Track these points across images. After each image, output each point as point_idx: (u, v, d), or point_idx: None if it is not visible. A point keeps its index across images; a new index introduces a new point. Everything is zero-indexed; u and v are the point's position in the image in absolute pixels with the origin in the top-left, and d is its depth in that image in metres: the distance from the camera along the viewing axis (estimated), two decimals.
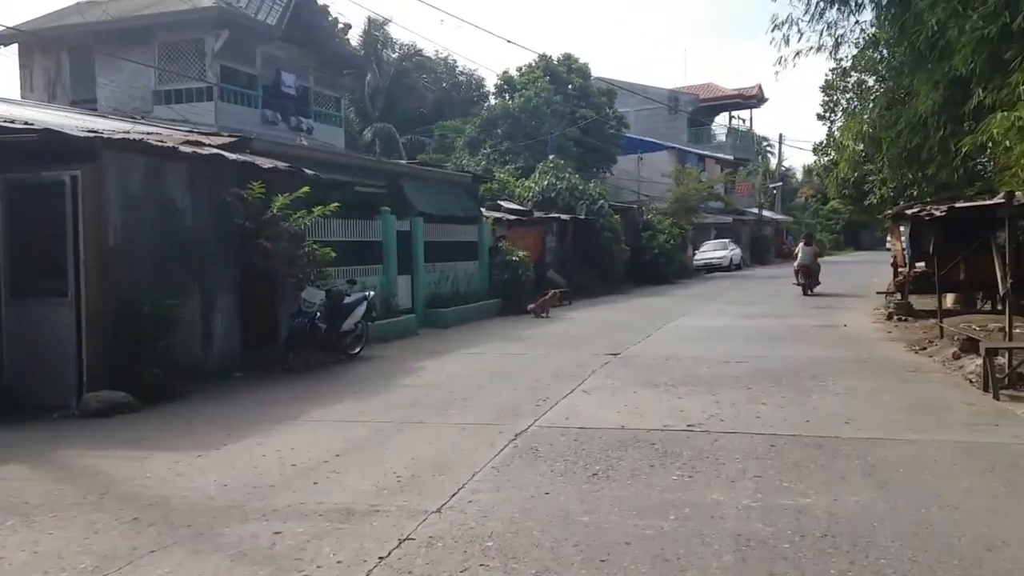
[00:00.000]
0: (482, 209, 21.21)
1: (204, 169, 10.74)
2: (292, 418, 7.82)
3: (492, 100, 39.90)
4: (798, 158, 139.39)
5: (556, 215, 24.67)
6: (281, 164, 12.25)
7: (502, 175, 29.00)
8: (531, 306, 18.05)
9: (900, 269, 17.69)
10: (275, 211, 10.98)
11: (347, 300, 11.89)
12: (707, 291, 26.47)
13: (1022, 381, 8.84)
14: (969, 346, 10.22)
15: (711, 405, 8.14)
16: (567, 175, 26.79)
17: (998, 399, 8.17)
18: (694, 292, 26.20)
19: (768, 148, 71.19)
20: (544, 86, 35.39)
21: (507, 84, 38.47)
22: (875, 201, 23.47)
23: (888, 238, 62.00)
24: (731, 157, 52.76)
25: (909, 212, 13.27)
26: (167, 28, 20.60)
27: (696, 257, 40.25)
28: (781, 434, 6.89)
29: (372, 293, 12.78)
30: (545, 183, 26.35)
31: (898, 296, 17.68)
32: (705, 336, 13.98)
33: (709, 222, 44.39)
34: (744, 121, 58.73)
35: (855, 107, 21.42)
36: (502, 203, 23.28)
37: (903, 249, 16.01)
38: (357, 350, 12.09)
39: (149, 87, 20.69)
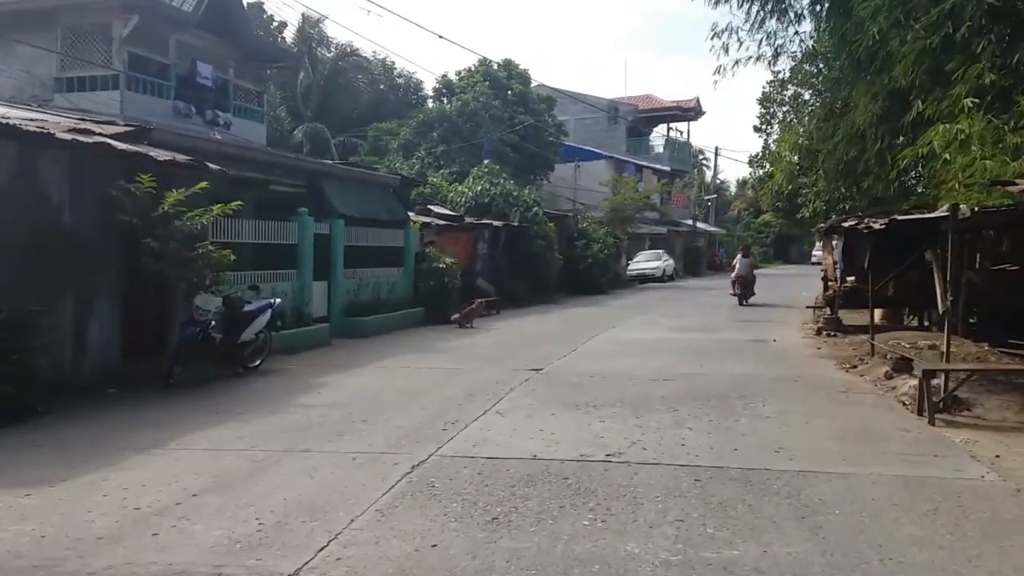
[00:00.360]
0: (410, 213, 20.31)
1: (88, 160, 9.64)
2: (156, 445, 6.81)
3: (430, 103, 38.98)
4: (732, 172, 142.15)
5: (488, 221, 23.92)
6: (181, 157, 11.17)
7: (435, 179, 28.14)
8: (455, 316, 17.23)
9: (831, 283, 17.47)
10: (167, 208, 9.91)
11: (248, 308, 10.87)
12: (639, 302, 26.06)
13: (958, 405, 8.42)
14: (902, 365, 9.82)
15: (634, 430, 7.45)
16: (502, 181, 26.08)
17: (934, 424, 7.70)
18: (626, 303, 25.75)
19: (704, 161, 72.06)
20: (483, 90, 34.69)
21: (445, 87, 37.65)
22: (807, 214, 23.41)
23: (815, 252, 63.59)
24: (668, 168, 52.94)
25: (846, 224, 12.90)
26: (72, 11, 19.16)
27: (630, 267, 40.03)
28: (707, 466, 6.22)
29: (278, 300, 11.78)
30: (479, 188, 25.59)
31: (827, 311, 17.46)
32: (634, 350, 13.38)
33: (644, 232, 44.28)
34: (681, 133, 59.17)
35: (792, 119, 21.30)
36: (432, 207, 22.42)
37: (835, 263, 15.73)
38: (258, 363, 11.07)
39: (50, 74, 19.20)
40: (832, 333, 15.09)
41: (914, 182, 16.07)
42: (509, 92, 37.37)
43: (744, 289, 24.07)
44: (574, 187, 36.58)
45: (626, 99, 56.76)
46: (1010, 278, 15.50)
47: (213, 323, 10.19)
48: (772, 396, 9.09)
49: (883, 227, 10.28)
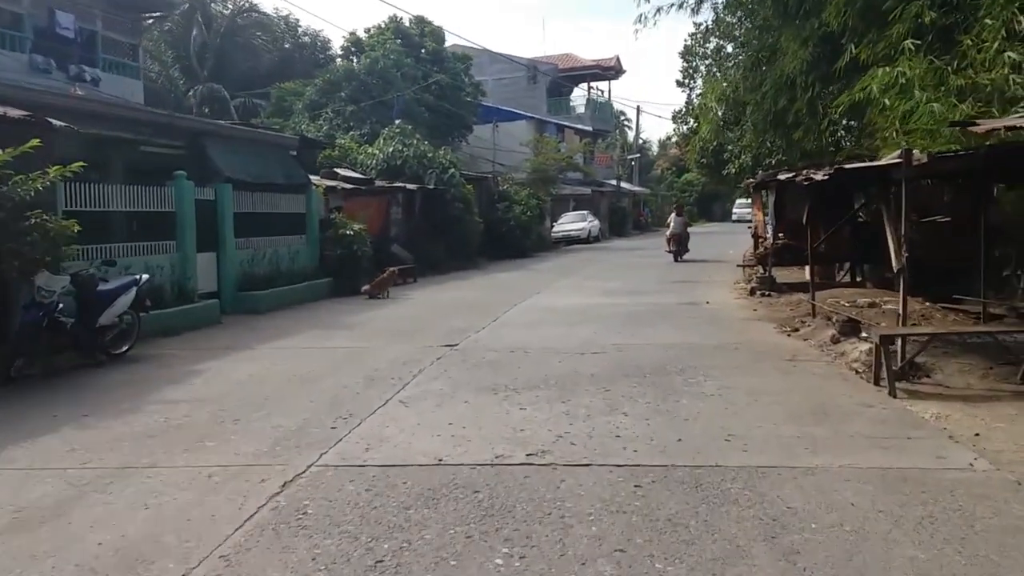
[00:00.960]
0: (314, 177, 18.64)
1: None
2: None
3: (339, 63, 36.75)
4: (654, 132, 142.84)
5: (402, 184, 22.39)
6: (14, 112, 9.39)
7: (344, 141, 26.33)
8: (366, 287, 15.81)
9: (761, 240, 16.74)
10: None
11: (105, 287, 9.24)
12: (565, 265, 25.06)
13: (915, 371, 7.59)
14: (849, 328, 8.98)
15: (560, 419, 6.32)
16: (415, 141, 24.50)
17: (895, 396, 6.81)
18: (551, 266, 24.71)
19: (626, 122, 71.45)
20: (394, 47, 32.77)
21: (354, 45, 35.53)
22: (733, 171, 22.73)
23: (735, 209, 63.88)
24: (590, 128, 51.99)
25: (781, 177, 12.00)
26: None
27: (554, 229, 39.09)
28: (648, 465, 5.12)
29: (145, 277, 10.13)
30: (390, 150, 23.97)
31: (759, 269, 16.75)
32: (560, 319, 12.27)
33: (568, 193, 43.34)
34: (603, 92, 58.19)
35: (716, 72, 20.38)
36: (339, 171, 20.73)
37: (765, 219, 14.93)
38: (124, 349, 9.49)
39: None
40: (766, 293, 14.32)
41: (844, 133, 15.34)
42: (423, 50, 35.55)
43: (679, 246, 24.64)
44: (494, 148, 35.17)
45: (546, 58, 55.48)
46: (942, 230, 15.05)
47: (60, 305, 8.56)
48: (713, 368, 8.09)
49: (827, 177, 9.35)
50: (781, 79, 14.05)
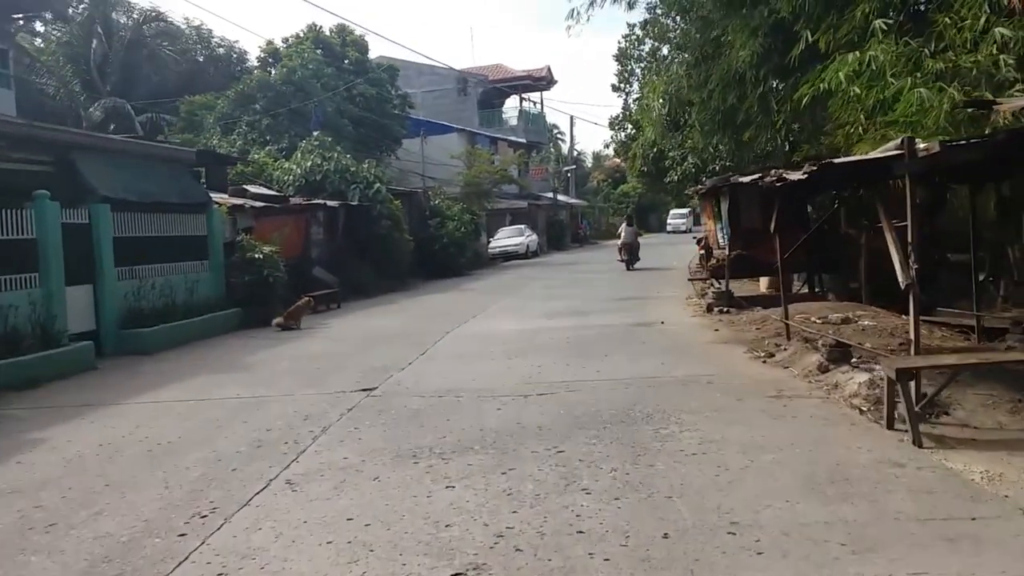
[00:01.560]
0: (221, 196, 16.67)
1: None
2: None
3: (255, 74, 34.57)
4: (588, 144, 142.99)
5: (321, 201, 20.48)
6: None
7: (259, 156, 24.30)
8: (277, 320, 13.91)
9: (714, 251, 15.47)
10: None
11: None
12: (504, 283, 23.49)
13: (932, 408, 6.20)
14: (838, 354, 7.58)
15: (500, 502, 4.67)
16: (336, 155, 22.64)
17: (921, 446, 5.38)
18: (489, 284, 23.10)
19: (559, 135, 70.58)
20: (313, 57, 30.81)
21: (271, 56, 33.42)
22: (676, 178, 21.58)
23: (670, 220, 63.15)
24: (524, 140, 50.75)
25: (745, 180, 10.67)
26: None
27: (491, 245, 37.60)
28: None
29: None
30: (309, 164, 22.06)
31: (713, 283, 15.47)
32: (499, 349, 10.64)
33: (503, 207, 41.92)
34: (535, 104, 57.10)
35: (658, 67, 19.13)
36: (248, 188, 18.75)
37: (721, 229, 13.63)
38: None
39: None
40: (725, 309, 12.97)
41: (798, 132, 14.15)
42: (346, 61, 33.68)
43: (630, 255, 25.12)
44: (423, 161, 33.45)
45: (475, 69, 54.17)
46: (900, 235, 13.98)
47: None
48: (687, 412, 6.55)
49: (806, 176, 7.97)
50: (729, 74, 12.80)
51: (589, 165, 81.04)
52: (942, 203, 14.44)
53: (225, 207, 15.61)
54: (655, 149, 21.02)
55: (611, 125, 24.07)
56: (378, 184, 22.56)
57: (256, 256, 15.08)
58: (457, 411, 7.12)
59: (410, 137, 37.39)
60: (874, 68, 9.40)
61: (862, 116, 9.84)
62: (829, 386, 7.11)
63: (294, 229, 19.51)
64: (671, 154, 21.47)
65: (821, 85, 10.09)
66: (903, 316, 10.94)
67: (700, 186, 15.20)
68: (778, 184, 8.53)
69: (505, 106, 56.01)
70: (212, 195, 16.42)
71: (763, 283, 16.12)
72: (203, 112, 30.17)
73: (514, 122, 54.07)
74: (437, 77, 50.41)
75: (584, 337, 11.32)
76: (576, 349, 10.28)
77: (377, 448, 6.03)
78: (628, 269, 24.72)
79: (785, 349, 8.85)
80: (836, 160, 6.98)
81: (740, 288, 15.23)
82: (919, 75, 8.98)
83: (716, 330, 11.30)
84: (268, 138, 28.07)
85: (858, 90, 9.55)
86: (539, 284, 22.06)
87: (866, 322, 10.18)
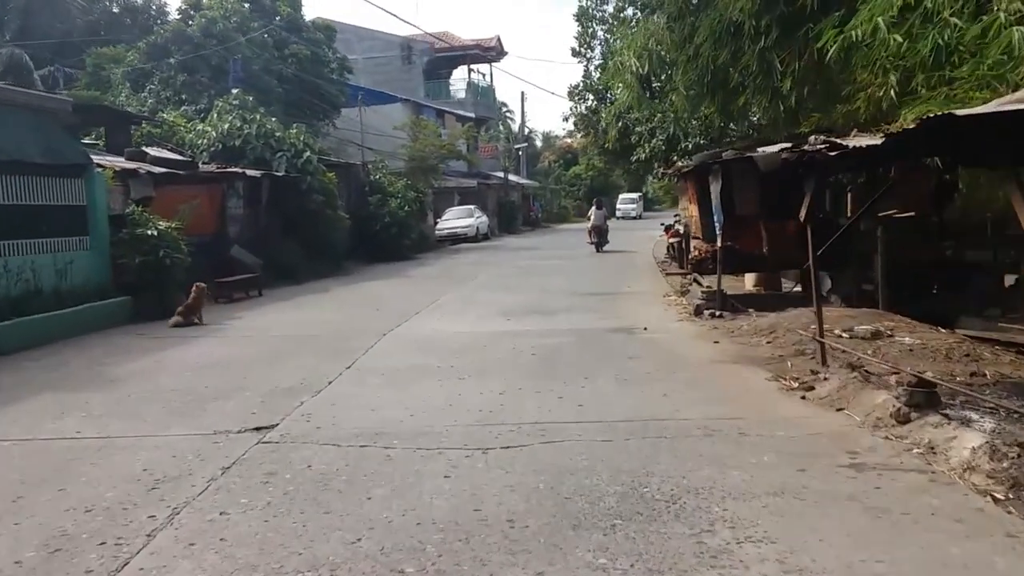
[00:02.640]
0: (105, 158, 13.86)
1: None
2: None
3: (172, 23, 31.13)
4: (539, 123, 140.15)
5: (240, 170, 17.72)
6: None
7: (171, 116, 21.29)
8: (173, 319, 11.30)
9: (697, 243, 13.35)
10: None
11: None
12: (452, 270, 21.08)
13: None
14: (923, 398, 5.43)
15: None
16: (258, 117, 19.82)
17: None
18: (436, 272, 20.67)
19: (508, 115, 67.95)
20: (238, 8, 27.65)
21: (193, 8, 30.05)
22: (643, 156, 19.43)
23: (619, 205, 60.79)
24: (472, 115, 48.11)
25: (771, 150, 8.52)
26: None
27: (439, 226, 35.13)
28: None
29: None
30: (226, 126, 19.20)
31: (697, 279, 13.37)
32: (447, 362, 8.28)
33: (452, 186, 39.38)
34: (484, 76, 54.35)
35: (625, 29, 16.81)
36: (149, 151, 15.89)
37: (712, 215, 11.47)
38: None
39: None
40: (716, 313, 10.83)
41: (805, 95, 12.03)
42: (277, 17, 30.53)
43: (600, 237, 25.26)
44: (361, 130, 30.60)
45: (421, 37, 51.20)
46: (905, 228, 12.10)
47: None
48: (736, 498, 4.29)
49: (867, 148, 5.79)
50: (721, 26, 10.63)
51: (540, 145, 78.68)
52: (952, 191, 12.61)
53: (111, 172, 12.81)
54: (623, 121, 18.76)
55: (571, 95, 21.72)
56: (308, 152, 19.84)
57: (150, 232, 12.37)
58: (384, 478, 4.76)
59: (350, 106, 34.49)
60: (929, 5, 7.37)
61: (894, 76, 7.79)
62: (922, 448, 4.97)
63: (207, 201, 16.76)
64: (638, 129, 19.30)
65: (855, 32, 8.03)
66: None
67: (682, 164, 12.96)
68: (832, 154, 6.32)
69: (452, 77, 53.21)
70: (107, 159, 13.66)
71: (748, 280, 14.08)
72: (111, 66, 26.79)
73: (462, 95, 51.33)
74: (379, 43, 47.53)
75: (553, 347, 9.04)
76: (545, 366, 7.99)
77: (245, 566, 3.65)
78: (598, 251, 24.76)
79: (825, 378, 6.70)
80: (970, 112, 4.71)
81: (735, 286, 13.21)
82: (982, 19, 6.98)
83: (716, 342, 9.12)
84: (184, 97, 24.98)
85: (899, 38, 7.50)
86: (493, 272, 19.71)
87: (906, 338, 8.14)
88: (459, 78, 53.02)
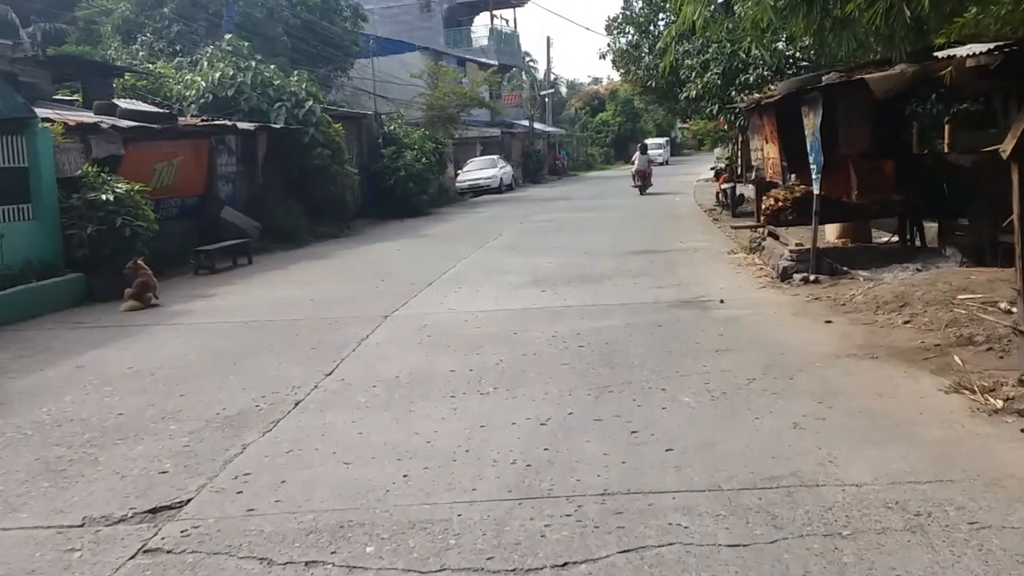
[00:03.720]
0: (84, 114, 11.68)
1: None
2: None
3: None
4: (564, 71, 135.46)
5: (229, 122, 15.41)
6: None
7: (160, 68, 19.01)
8: (125, 304, 9.18)
9: (774, 191, 10.85)
10: None
11: None
12: (473, 226, 18.75)
13: None
14: None
15: None
16: (254, 64, 17.44)
17: None
18: (455, 229, 18.35)
19: (532, 64, 64.49)
20: None
21: None
22: (693, 94, 16.79)
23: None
24: (495, 63, 45.05)
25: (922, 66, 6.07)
26: None
27: (460, 178, 32.79)
28: None
29: None
30: (218, 75, 16.85)
31: (765, 232, 10.90)
32: (460, 367, 6.01)
33: (474, 136, 36.86)
34: (507, 22, 51.18)
35: None
36: (122, 103, 13.61)
37: (810, 155, 8.98)
38: None
39: None
40: (811, 277, 8.42)
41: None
42: None
43: (643, 181, 25.78)
44: (374, 79, 28.08)
45: None
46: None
47: None
48: None
49: None
50: None
51: (565, 92, 75.19)
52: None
53: (60, 127, 10.59)
54: (689, 44, 16.02)
55: (608, 29, 18.96)
56: (311, 102, 17.46)
57: (105, 197, 10.18)
58: None
59: (366, 56, 31.94)
60: None
61: None
62: None
63: (192, 159, 14.54)
64: (688, 63, 16.62)
65: None
66: None
67: (759, 95, 10.33)
68: None
69: (474, 25, 50.09)
70: (65, 114, 11.51)
71: (830, 231, 11.55)
72: (102, 19, 24.49)
73: (484, 42, 48.33)
74: None
75: (606, 333, 6.73)
76: (600, 368, 5.69)
77: None
78: (641, 194, 25.29)
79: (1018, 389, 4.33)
80: None
81: (803, 236, 10.77)
82: None
83: (828, 321, 6.72)
84: (178, 48, 22.64)
85: None
86: (519, 228, 17.35)
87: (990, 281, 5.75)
88: (481, 25, 49.98)
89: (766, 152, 10.65)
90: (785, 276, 8.64)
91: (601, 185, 33.87)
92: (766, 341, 6.19)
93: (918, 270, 8.79)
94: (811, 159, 8.78)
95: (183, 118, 14.80)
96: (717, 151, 44.72)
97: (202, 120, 14.82)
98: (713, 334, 6.51)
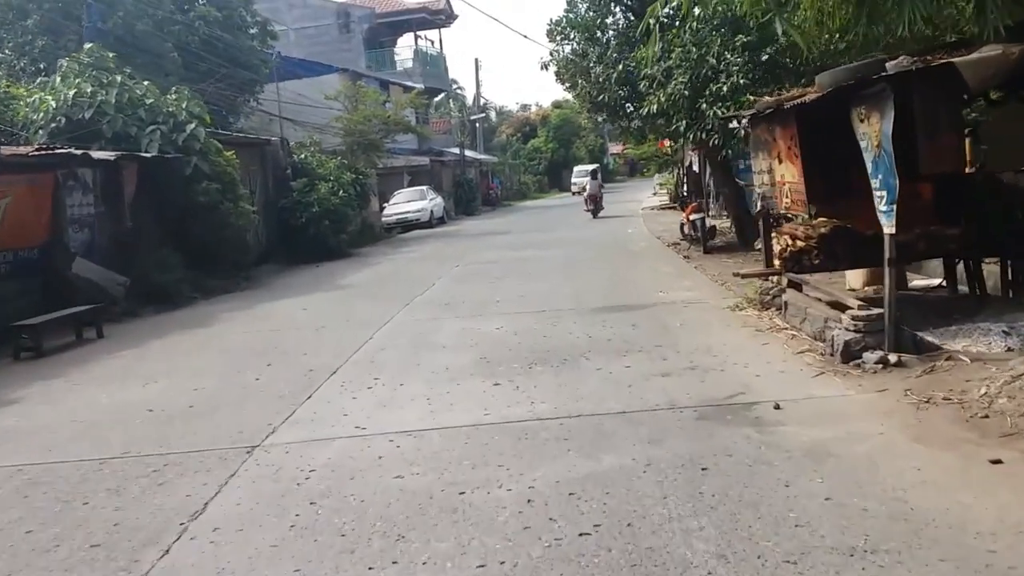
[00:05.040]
0: None
1: None
2: None
3: None
4: (492, 97, 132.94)
5: (82, 152, 12.04)
6: None
7: (9, 87, 15.49)
8: None
9: (790, 225, 8.22)
10: None
11: None
12: (400, 271, 15.77)
13: None
14: None
15: None
16: (119, 79, 14.13)
17: None
18: (378, 275, 15.32)
19: (460, 91, 61.88)
20: None
21: None
22: (654, 109, 14.21)
23: (575, 179, 52.96)
24: (421, 86, 42.36)
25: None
26: None
27: (386, 212, 29.79)
28: None
29: None
30: (71, 93, 13.49)
31: (780, 281, 8.22)
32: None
33: (400, 165, 33.90)
34: (433, 43, 48.55)
35: None
36: None
37: (876, 175, 6.35)
38: None
39: None
40: (890, 358, 5.72)
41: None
42: None
43: (595, 204, 26.57)
44: (279, 100, 24.86)
45: (360, 1, 45.49)
46: None
47: None
48: None
49: None
50: None
51: (495, 119, 72.91)
52: None
53: None
54: (624, 64, 13.63)
55: (550, 35, 16.35)
56: (194, 125, 14.25)
57: None
58: None
59: (289, 78, 28.64)
60: None
61: None
62: None
63: (28, 199, 11.24)
64: (647, 72, 14.06)
65: None
66: None
67: (796, 93, 7.55)
68: None
69: (398, 46, 47.27)
70: None
71: (854, 278, 8.93)
72: None
73: (409, 64, 45.59)
74: (312, 10, 41.74)
75: (624, 502, 3.84)
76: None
77: None
78: (594, 217, 25.96)
79: None
80: None
81: (833, 283, 8.20)
82: None
83: (995, 461, 3.96)
84: (43, 67, 19.05)
85: None
86: (455, 273, 14.42)
87: None
88: (405, 46, 47.20)
89: (779, 174, 8.04)
90: (849, 356, 5.93)
91: (541, 216, 31.27)
92: (915, 521, 3.40)
93: (1005, 332, 6.26)
94: (876, 181, 6.16)
95: (9, 148, 11.42)
96: (657, 177, 42.75)
97: (36, 148, 11.46)
98: (809, 497, 3.70)
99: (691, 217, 14.78)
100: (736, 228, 15.60)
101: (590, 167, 59.65)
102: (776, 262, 8.17)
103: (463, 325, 8.97)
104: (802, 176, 7.54)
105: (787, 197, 8.01)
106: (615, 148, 77.27)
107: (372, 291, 12.94)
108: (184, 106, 14.61)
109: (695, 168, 27.39)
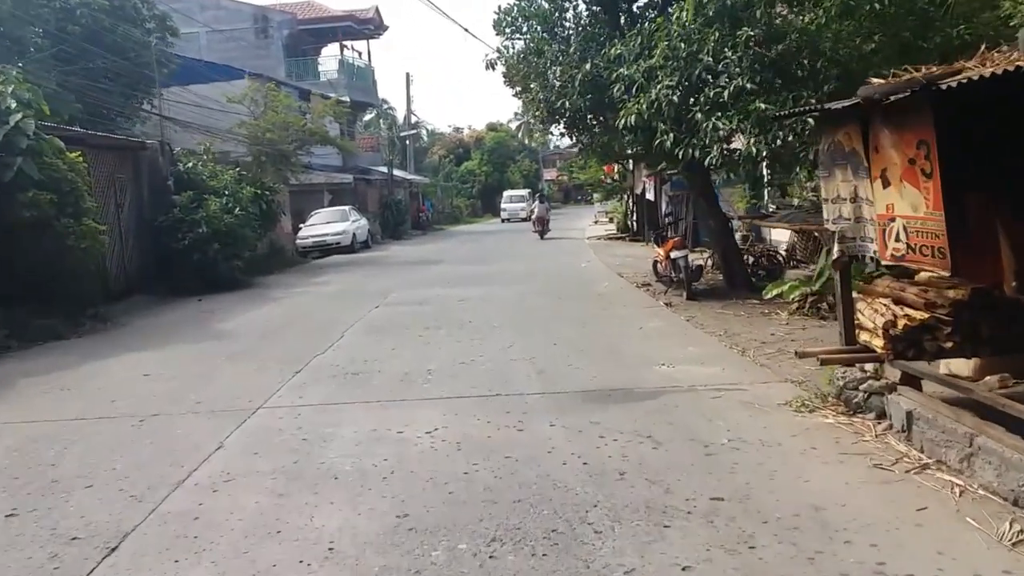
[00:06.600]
0: None
1: None
2: None
3: None
4: (423, 116, 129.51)
5: None
6: None
7: None
8: None
9: (890, 282, 5.25)
10: None
11: None
12: (301, 312, 12.26)
13: None
14: None
15: None
16: None
17: None
18: (270, 319, 11.75)
19: (390, 110, 58.44)
20: None
21: None
22: (632, 119, 11.19)
23: (505, 204, 49.30)
24: (347, 99, 38.72)
25: None
26: None
27: (301, 233, 26.20)
28: None
29: None
30: None
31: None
32: None
33: (320, 182, 30.33)
34: (360, 55, 45.10)
35: None
36: None
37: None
38: None
39: None
40: None
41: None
42: None
43: (542, 227, 27.17)
44: (159, 95, 21.01)
45: (280, 6, 41.97)
46: None
47: None
48: None
49: None
50: None
51: (426, 139, 69.66)
52: None
53: None
54: (594, 64, 10.64)
55: (498, 26, 13.22)
56: (21, 115, 10.54)
57: None
58: None
59: (185, 82, 24.75)
60: None
61: None
62: None
63: None
64: (622, 73, 11.05)
65: None
66: None
67: (946, 69, 4.60)
68: None
69: (322, 55, 43.70)
70: None
71: (962, 366, 5.89)
72: None
73: (334, 76, 41.98)
74: (227, 13, 38.05)
75: None
76: None
77: None
78: (542, 238, 26.58)
79: None
80: None
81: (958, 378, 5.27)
82: None
83: None
84: None
85: None
86: (373, 319, 10.99)
87: None
88: (330, 56, 43.65)
89: (884, 203, 4.97)
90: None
91: (477, 243, 28.10)
92: None
93: None
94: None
95: None
96: (599, 206, 40.14)
97: None
98: None
99: (672, 254, 11.79)
100: (724, 269, 12.73)
101: (523, 191, 57.16)
102: (876, 340, 5.14)
103: (374, 424, 5.64)
104: (940, 207, 4.54)
105: (898, 239, 4.99)
106: (550, 174, 75.31)
107: (254, 344, 9.44)
108: (11, 91, 10.88)
109: (649, 196, 24.78)
